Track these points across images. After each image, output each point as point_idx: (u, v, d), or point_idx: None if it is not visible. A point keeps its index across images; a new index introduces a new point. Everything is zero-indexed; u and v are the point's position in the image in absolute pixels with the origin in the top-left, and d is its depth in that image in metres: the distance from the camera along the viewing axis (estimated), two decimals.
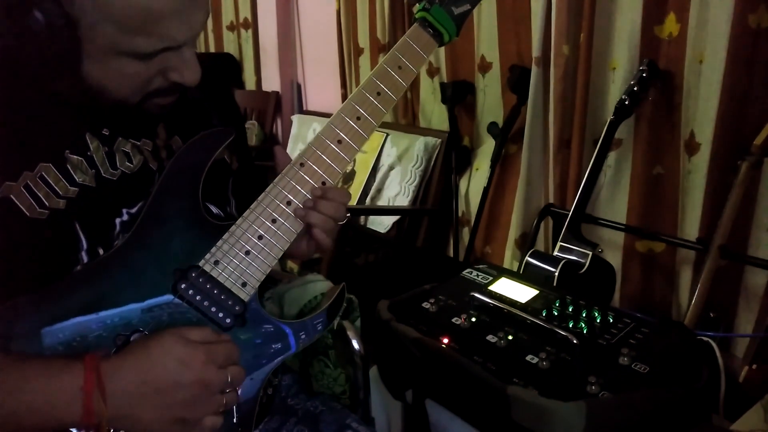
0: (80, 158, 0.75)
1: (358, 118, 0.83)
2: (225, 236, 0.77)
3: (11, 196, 0.70)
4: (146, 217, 0.77)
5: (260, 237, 0.78)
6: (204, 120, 0.88)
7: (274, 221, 0.79)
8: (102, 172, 0.77)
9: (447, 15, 0.86)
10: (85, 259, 0.75)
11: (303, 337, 0.81)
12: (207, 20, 0.74)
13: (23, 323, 0.69)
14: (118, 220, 0.77)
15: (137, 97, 0.74)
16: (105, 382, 0.65)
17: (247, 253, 0.78)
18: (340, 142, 0.82)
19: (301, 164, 0.81)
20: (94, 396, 0.64)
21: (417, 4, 0.88)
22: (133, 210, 0.78)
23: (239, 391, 0.75)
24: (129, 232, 0.76)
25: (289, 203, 0.80)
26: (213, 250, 0.77)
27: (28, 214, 0.71)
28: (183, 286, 0.75)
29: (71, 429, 0.69)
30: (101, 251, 0.75)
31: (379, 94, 0.84)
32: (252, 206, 0.79)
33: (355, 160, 2.61)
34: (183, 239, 0.77)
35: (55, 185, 0.73)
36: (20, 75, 0.70)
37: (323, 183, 0.82)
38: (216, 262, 0.77)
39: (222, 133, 0.83)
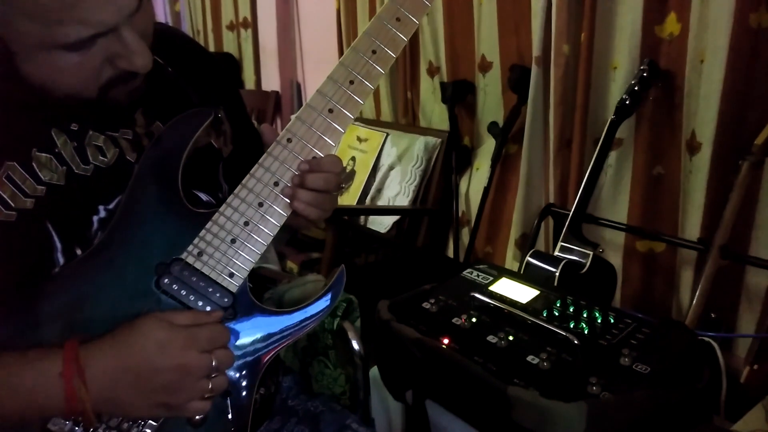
0: (49, 156, 0.71)
1: (351, 82, 0.74)
2: (208, 225, 0.73)
3: None
4: (123, 211, 0.73)
5: (246, 223, 0.73)
6: (183, 101, 0.83)
7: (260, 205, 0.74)
8: (74, 168, 0.73)
9: None
10: (62, 260, 0.72)
11: (306, 322, 0.78)
12: None
13: (3, 330, 0.67)
14: (95, 218, 0.74)
15: (92, 90, 0.70)
16: (84, 366, 0.64)
17: (233, 241, 0.73)
18: (331, 111, 0.74)
19: (288, 140, 0.74)
20: (74, 381, 0.63)
21: None
22: (111, 206, 0.75)
23: (237, 383, 0.73)
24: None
25: (276, 184, 0.74)
26: (196, 240, 0.73)
27: None
28: (166, 281, 0.71)
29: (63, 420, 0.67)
30: (79, 251, 0.72)
31: (374, 52, 0.75)
32: (236, 190, 0.74)
33: (354, 160, 2.60)
34: (164, 232, 0.73)
35: (22, 184, 0.69)
36: None
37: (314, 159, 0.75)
38: (199, 254, 0.72)
39: (199, 114, 0.78)
